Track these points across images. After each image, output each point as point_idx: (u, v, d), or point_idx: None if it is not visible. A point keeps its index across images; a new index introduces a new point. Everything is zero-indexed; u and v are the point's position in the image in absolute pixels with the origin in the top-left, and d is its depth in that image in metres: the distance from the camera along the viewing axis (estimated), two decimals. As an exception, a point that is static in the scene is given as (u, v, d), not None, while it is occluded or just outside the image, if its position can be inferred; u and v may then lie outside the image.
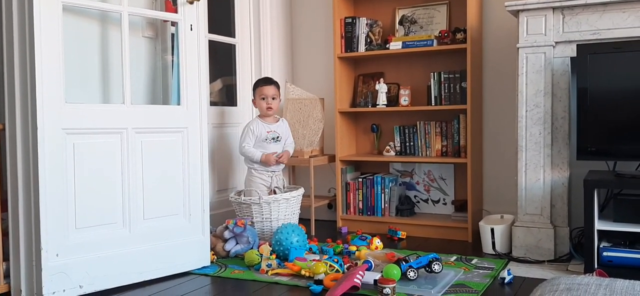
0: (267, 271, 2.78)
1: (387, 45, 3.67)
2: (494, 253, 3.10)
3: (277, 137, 3.46)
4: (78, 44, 2.78)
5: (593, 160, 2.89)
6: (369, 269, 2.66)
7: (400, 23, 3.79)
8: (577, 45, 2.81)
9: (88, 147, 2.51)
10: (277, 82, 3.52)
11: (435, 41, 3.53)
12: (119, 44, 2.66)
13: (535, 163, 2.98)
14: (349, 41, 3.76)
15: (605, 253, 2.66)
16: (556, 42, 2.92)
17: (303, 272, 2.69)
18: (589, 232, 2.65)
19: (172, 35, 3.14)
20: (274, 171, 3.47)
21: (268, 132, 3.42)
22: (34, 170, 2.37)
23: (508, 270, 2.64)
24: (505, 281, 2.58)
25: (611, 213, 2.78)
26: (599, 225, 2.69)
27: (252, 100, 3.53)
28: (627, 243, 2.68)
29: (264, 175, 3.43)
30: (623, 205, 2.73)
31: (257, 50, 3.95)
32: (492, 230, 3.11)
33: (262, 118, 3.46)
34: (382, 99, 3.71)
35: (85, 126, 2.51)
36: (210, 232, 3.03)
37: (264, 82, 3.48)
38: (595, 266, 2.65)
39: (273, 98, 3.43)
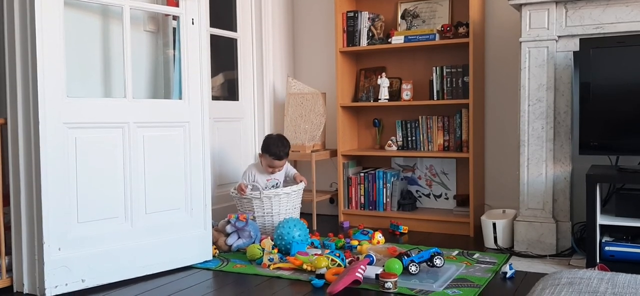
0: (269, 266, 2.78)
1: (389, 40, 3.66)
2: (496, 247, 3.10)
3: (276, 184, 3.44)
4: (79, 38, 2.77)
5: (595, 155, 2.89)
6: (370, 263, 2.66)
7: (403, 17, 3.78)
8: (580, 39, 2.80)
9: (90, 141, 2.51)
10: (289, 148, 3.43)
11: (437, 35, 3.52)
12: (121, 38, 2.66)
13: (538, 158, 2.98)
14: (351, 35, 3.76)
15: (607, 248, 2.65)
16: (559, 36, 2.91)
17: (305, 266, 2.69)
18: (591, 227, 2.65)
19: (174, 29, 3.13)
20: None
21: (268, 180, 3.41)
22: (35, 164, 2.37)
23: (510, 265, 2.64)
24: (507, 275, 2.58)
25: (613, 207, 2.77)
26: (601, 220, 2.68)
27: (259, 154, 3.45)
28: (629, 238, 2.68)
29: (264, 173, 3.43)
30: (625, 199, 2.72)
31: (259, 45, 3.95)
32: (494, 224, 3.11)
33: (262, 171, 3.43)
34: (384, 94, 3.70)
35: (87, 120, 2.51)
36: (212, 226, 3.03)
37: (276, 154, 3.34)
38: (597, 261, 2.64)
39: (280, 169, 3.41)
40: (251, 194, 3.27)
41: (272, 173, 3.41)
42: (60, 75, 2.40)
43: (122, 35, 2.63)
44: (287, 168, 3.53)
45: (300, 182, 3.43)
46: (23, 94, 2.39)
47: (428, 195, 3.82)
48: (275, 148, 3.35)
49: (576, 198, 3.08)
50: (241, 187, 3.28)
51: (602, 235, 2.73)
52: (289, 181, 3.52)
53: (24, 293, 2.44)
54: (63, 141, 2.42)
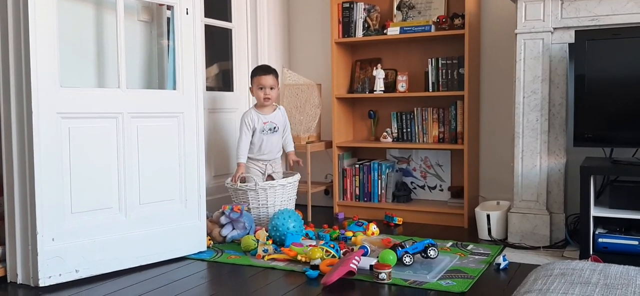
0: (263, 257, 2.78)
1: (385, 31, 3.65)
2: (490, 239, 3.11)
3: (275, 128, 3.42)
4: (73, 27, 2.76)
5: (590, 147, 2.90)
6: (365, 254, 2.67)
7: (398, 8, 3.77)
8: (576, 31, 2.80)
9: (83, 131, 2.50)
10: (275, 71, 3.46)
11: (433, 27, 3.51)
12: (114, 28, 2.64)
13: (532, 150, 2.98)
14: (347, 26, 3.74)
15: (600, 240, 2.66)
16: (554, 28, 2.91)
17: (299, 257, 2.69)
18: (585, 219, 2.66)
19: (168, 19, 3.11)
20: (270, 159, 3.45)
21: (265, 123, 3.39)
22: (29, 154, 2.36)
23: (503, 256, 2.65)
24: (501, 267, 2.59)
25: (607, 199, 2.78)
26: (594, 212, 2.69)
27: (250, 89, 3.48)
28: (623, 230, 2.69)
29: (260, 162, 3.42)
30: (619, 191, 2.73)
31: (254, 35, 3.93)
32: (488, 216, 3.11)
33: (258, 108, 3.42)
34: (379, 85, 3.70)
35: (81, 110, 2.49)
36: (207, 217, 3.03)
37: (262, 71, 3.42)
38: (591, 252, 2.65)
39: (271, 88, 3.37)
40: (246, 186, 3.27)
41: (266, 98, 3.36)
42: (53, 65, 2.39)
43: (116, 24, 2.61)
44: (286, 125, 3.49)
45: (295, 162, 3.43)
46: (16, 84, 2.37)
47: (423, 187, 3.83)
48: (259, 67, 3.46)
49: (570, 190, 3.09)
50: (235, 179, 3.28)
51: (595, 226, 2.74)
52: (286, 143, 3.48)
53: (18, 283, 2.43)
54: (56, 131, 2.41)
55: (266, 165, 3.43)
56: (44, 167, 2.37)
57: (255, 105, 3.45)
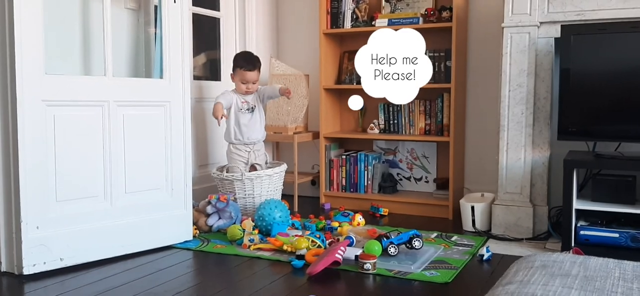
0: (249, 246, 2.79)
1: (373, 22, 3.65)
2: (474, 230, 3.14)
3: (253, 108, 3.42)
4: (59, 13, 2.73)
5: (573, 141, 2.93)
6: (350, 245, 2.68)
7: (387, 0, 3.77)
8: (562, 25, 2.82)
9: (69, 119, 2.48)
10: (259, 63, 3.42)
11: (421, 19, 3.52)
12: (101, 15, 2.61)
13: (517, 143, 3.01)
14: (335, 17, 3.74)
15: (582, 232, 2.70)
16: (541, 22, 2.93)
17: (285, 247, 2.70)
18: (567, 211, 2.70)
19: (155, 7, 3.09)
20: (251, 142, 3.41)
21: (243, 102, 3.38)
22: (13, 141, 2.34)
23: (487, 247, 2.68)
24: (484, 258, 2.62)
25: (589, 192, 2.82)
26: (577, 205, 2.73)
27: (231, 75, 3.43)
28: (604, 223, 2.73)
29: (242, 151, 3.40)
30: (601, 184, 2.77)
31: (242, 24, 3.91)
32: (473, 208, 3.14)
33: (237, 92, 3.40)
34: (366, 76, 3.69)
35: (66, 98, 2.47)
36: (193, 207, 3.02)
37: (247, 65, 3.34)
38: (572, 244, 2.69)
39: (254, 83, 3.37)
40: (232, 176, 3.26)
41: (247, 92, 3.36)
42: (39, 51, 2.36)
43: (102, 11, 2.59)
44: (261, 89, 3.46)
45: (285, 93, 3.37)
46: (0, 70, 2.34)
47: (409, 178, 3.85)
48: (244, 59, 3.39)
49: (553, 183, 3.12)
50: (216, 111, 3.19)
51: (577, 219, 2.78)
52: (273, 95, 3.44)
53: (2, 271, 2.42)
54: (41, 118, 2.39)
55: (249, 152, 3.40)
56: (29, 154, 2.35)
57: (235, 89, 3.41)
